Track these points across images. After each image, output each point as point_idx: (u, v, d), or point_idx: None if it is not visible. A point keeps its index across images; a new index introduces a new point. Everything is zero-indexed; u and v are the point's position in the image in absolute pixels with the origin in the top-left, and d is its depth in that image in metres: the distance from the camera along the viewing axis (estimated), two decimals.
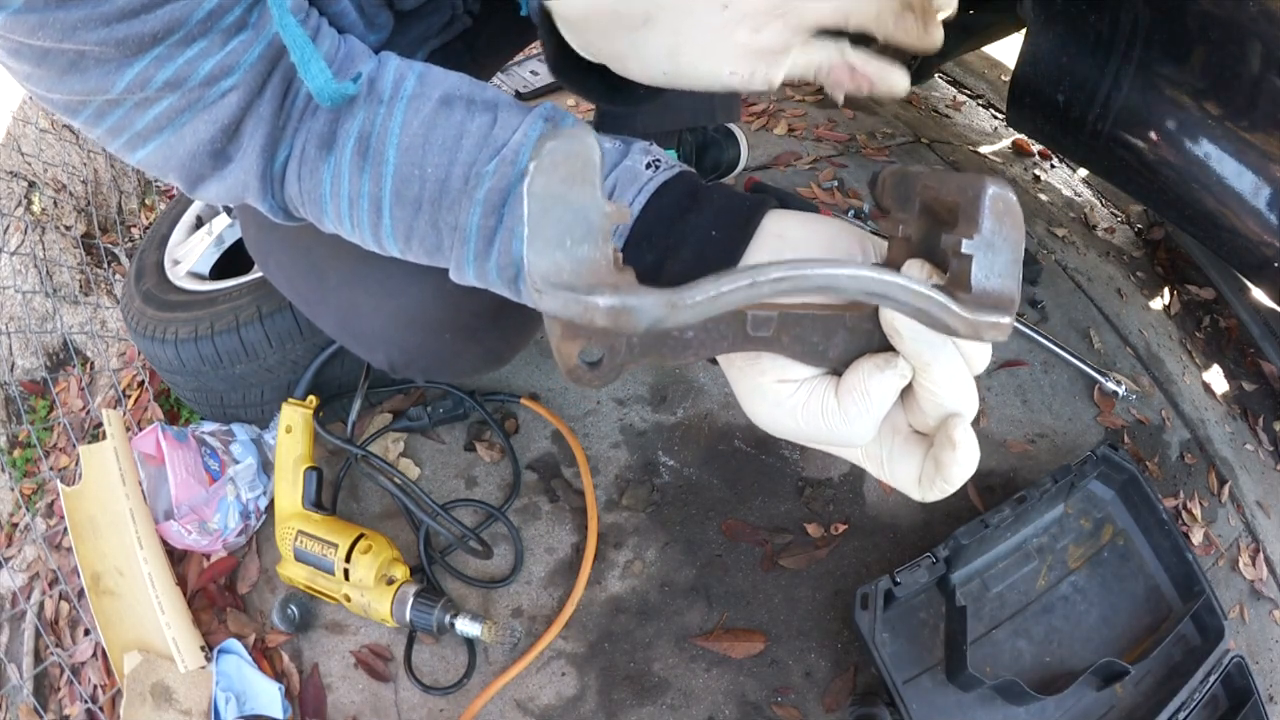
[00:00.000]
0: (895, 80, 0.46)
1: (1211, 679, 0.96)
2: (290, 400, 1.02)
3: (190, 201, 1.26)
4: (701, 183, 0.50)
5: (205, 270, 1.17)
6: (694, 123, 1.22)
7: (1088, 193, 1.83)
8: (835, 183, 1.55)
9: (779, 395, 0.39)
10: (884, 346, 0.36)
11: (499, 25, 0.90)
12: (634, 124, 1.17)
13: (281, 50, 0.52)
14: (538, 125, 0.52)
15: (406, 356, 0.76)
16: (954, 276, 0.33)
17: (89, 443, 1.16)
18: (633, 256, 0.48)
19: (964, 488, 1.15)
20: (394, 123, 0.52)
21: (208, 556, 1.06)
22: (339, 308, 0.75)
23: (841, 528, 1.10)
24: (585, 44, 0.51)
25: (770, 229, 0.45)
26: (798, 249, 0.44)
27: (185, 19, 0.47)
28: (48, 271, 1.46)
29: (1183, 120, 0.96)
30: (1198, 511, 1.24)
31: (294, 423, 1.01)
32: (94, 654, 1.05)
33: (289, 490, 1.00)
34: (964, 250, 0.32)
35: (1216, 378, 1.48)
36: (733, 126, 1.44)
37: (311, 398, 1.03)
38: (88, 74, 0.48)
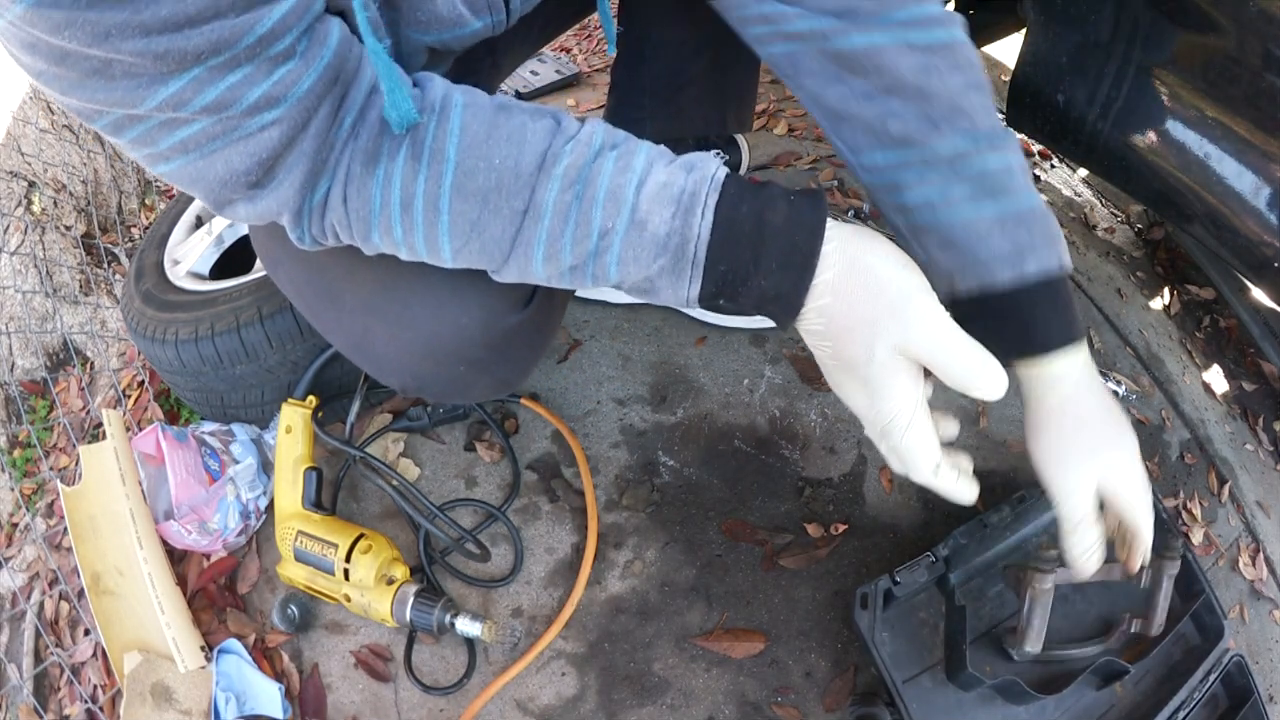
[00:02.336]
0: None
1: (1211, 678, 0.96)
2: (290, 400, 1.02)
3: (190, 201, 1.26)
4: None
5: (205, 270, 1.17)
6: (705, 131, 1.22)
7: (1088, 193, 1.83)
8: (835, 183, 1.55)
9: None
10: None
11: (519, 32, 0.90)
12: (644, 130, 1.17)
13: (330, 84, 0.50)
14: (600, 124, 0.54)
15: (418, 383, 0.77)
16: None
17: (89, 443, 1.16)
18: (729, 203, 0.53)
19: None
20: (452, 125, 0.52)
21: (208, 556, 1.06)
22: (352, 332, 0.75)
23: (841, 528, 1.10)
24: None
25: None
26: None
27: (235, 40, 0.43)
28: (48, 271, 1.46)
29: (1182, 120, 0.96)
30: (1198, 511, 1.24)
31: (294, 423, 1.01)
32: (94, 654, 1.05)
33: (289, 490, 1.00)
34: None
35: (1216, 378, 1.48)
36: None
37: (311, 398, 1.03)
38: (115, 85, 0.43)
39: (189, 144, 0.47)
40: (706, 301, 0.55)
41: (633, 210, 0.51)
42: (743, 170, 1.48)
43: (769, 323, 1.26)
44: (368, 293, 0.70)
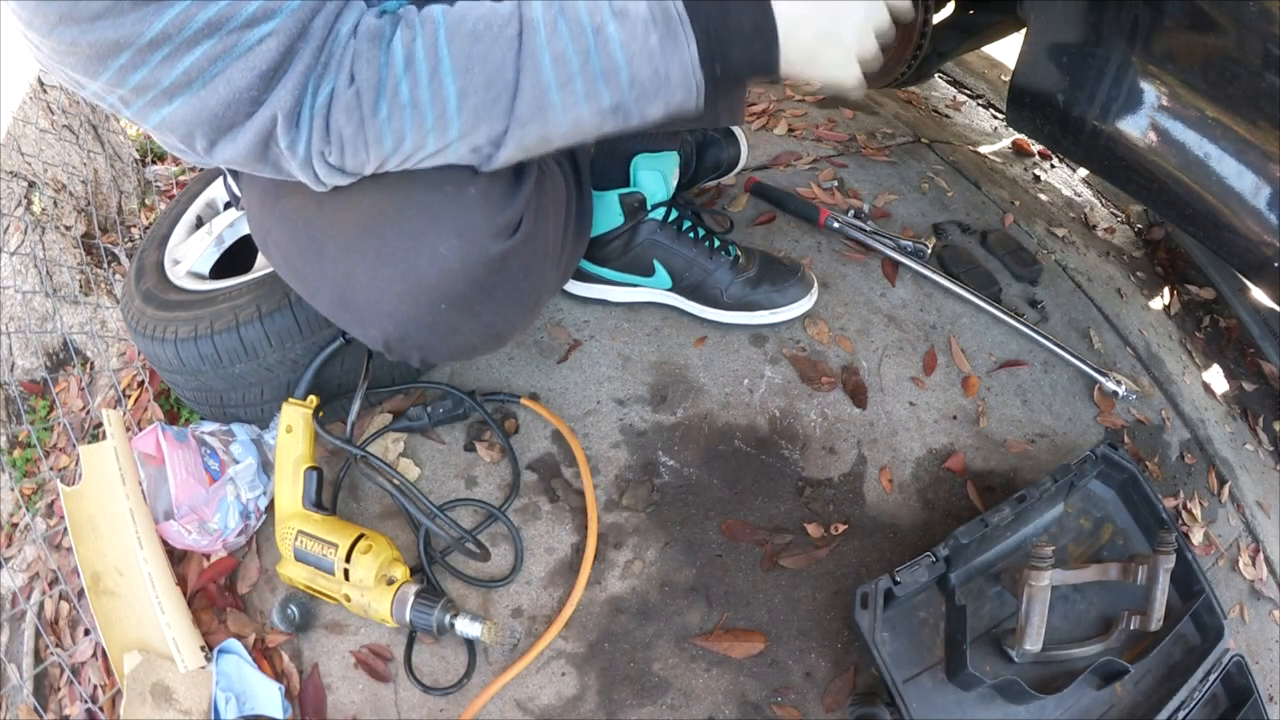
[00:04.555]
0: None
1: (1211, 678, 0.96)
2: (290, 400, 1.02)
3: (190, 201, 1.26)
4: None
5: (205, 270, 1.17)
6: (697, 124, 1.22)
7: (1088, 193, 1.83)
8: (835, 183, 1.55)
9: None
10: None
11: None
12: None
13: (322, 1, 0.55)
14: None
15: (401, 331, 0.75)
16: None
17: (89, 443, 1.16)
18: None
19: (964, 487, 1.15)
20: (437, 7, 0.60)
21: (208, 556, 1.06)
22: (335, 280, 0.75)
23: (841, 528, 1.10)
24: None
25: None
26: None
27: None
28: (48, 271, 1.46)
29: (1182, 120, 0.96)
30: (1198, 511, 1.24)
31: (294, 422, 1.01)
32: (94, 654, 1.05)
33: (289, 490, 1.00)
34: None
35: (1216, 378, 1.48)
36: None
37: (312, 397, 1.03)
38: (123, 18, 0.48)
39: (192, 73, 0.52)
40: (706, 67, 0.61)
41: (610, 4, 0.59)
42: (740, 166, 1.48)
43: (768, 320, 1.26)
44: (349, 236, 0.71)
